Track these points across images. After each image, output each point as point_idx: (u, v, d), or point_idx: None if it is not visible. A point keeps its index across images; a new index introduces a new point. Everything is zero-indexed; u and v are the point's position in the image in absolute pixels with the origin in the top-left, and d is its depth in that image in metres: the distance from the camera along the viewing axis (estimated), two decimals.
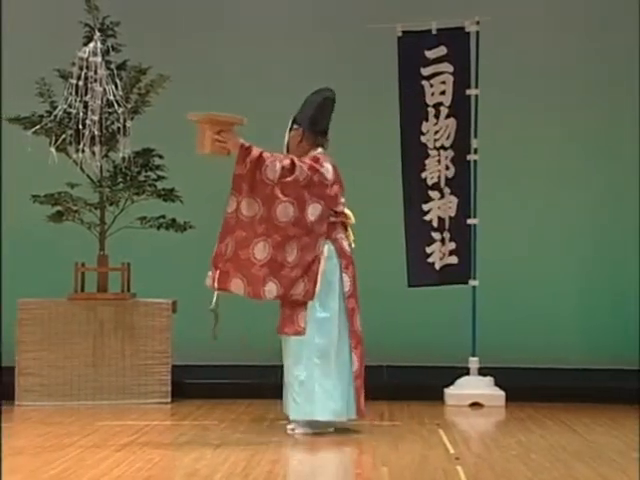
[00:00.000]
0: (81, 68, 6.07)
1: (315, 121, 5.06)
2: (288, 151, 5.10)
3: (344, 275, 4.96)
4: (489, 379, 6.26)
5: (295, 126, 5.08)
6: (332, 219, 5.00)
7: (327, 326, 4.90)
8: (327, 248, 4.96)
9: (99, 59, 6.09)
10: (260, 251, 4.83)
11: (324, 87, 5.15)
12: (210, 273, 4.91)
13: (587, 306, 6.92)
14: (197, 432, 4.98)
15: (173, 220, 6.37)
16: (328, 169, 4.98)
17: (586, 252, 6.98)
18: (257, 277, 4.83)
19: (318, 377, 4.86)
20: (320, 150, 5.07)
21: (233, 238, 4.87)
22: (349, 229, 5.11)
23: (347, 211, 5.10)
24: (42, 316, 6.16)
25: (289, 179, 4.84)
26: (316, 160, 4.98)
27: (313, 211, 4.89)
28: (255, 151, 4.86)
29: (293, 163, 4.88)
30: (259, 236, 4.83)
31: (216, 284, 4.88)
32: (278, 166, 4.85)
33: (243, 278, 4.86)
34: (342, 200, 5.05)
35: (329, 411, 4.87)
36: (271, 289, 4.85)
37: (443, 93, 6.33)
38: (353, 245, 5.13)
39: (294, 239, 4.86)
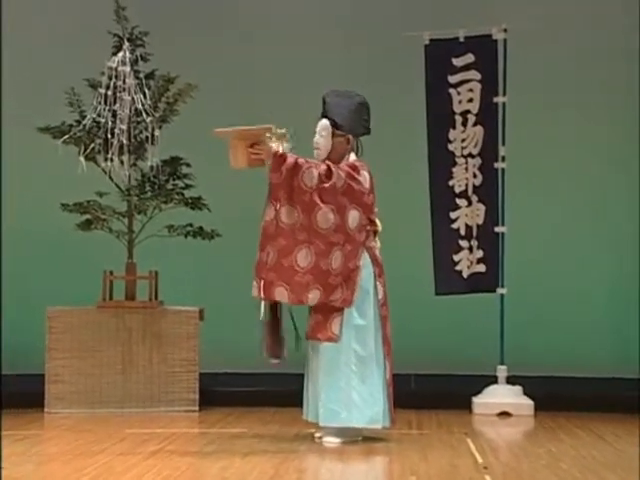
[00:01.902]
0: (110, 78, 6.12)
1: (359, 126, 5.05)
2: (319, 156, 5.06)
3: (378, 283, 4.98)
4: (517, 388, 6.22)
5: (340, 132, 5.03)
6: (367, 227, 5.01)
7: (364, 333, 4.91)
8: (362, 255, 4.97)
9: (128, 68, 6.13)
10: (303, 258, 4.83)
11: (345, 90, 5.14)
12: (255, 283, 4.89)
13: (617, 314, 6.86)
14: (225, 440, 4.99)
15: (200, 228, 6.40)
16: (366, 177, 4.98)
17: (615, 260, 6.93)
18: (301, 284, 4.83)
19: (356, 384, 4.86)
20: (354, 157, 5.06)
21: (274, 247, 4.86)
22: (377, 237, 5.12)
23: (377, 220, 5.11)
24: (71, 324, 6.20)
25: (327, 185, 4.83)
26: (354, 168, 4.97)
27: (353, 218, 4.90)
28: (290, 158, 4.85)
29: (330, 169, 4.87)
30: (301, 243, 4.83)
31: (262, 294, 4.87)
32: (315, 173, 4.84)
33: (287, 286, 4.84)
34: (375, 208, 5.07)
35: (366, 418, 4.87)
36: (315, 296, 4.85)
37: (470, 101, 6.31)
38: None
39: (337, 246, 4.86)
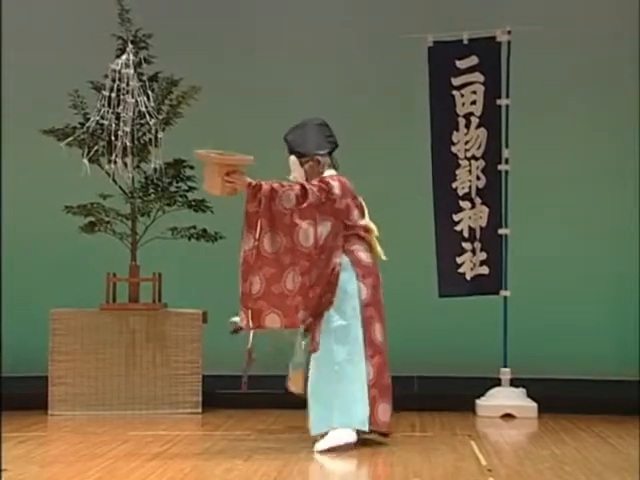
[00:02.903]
0: (114, 80, 6.13)
1: (322, 145, 5.11)
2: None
3: (361, 284, 4.97)
4: (521, 390, 6.22)
5: (307, 159, 5.10)
6: (344, 232, 4.99)
7: (344, 334, 4.91)
8: (342, 260, 4.96)
9: (131, 71, 6.14)
10: (291, 282, 4.86)
11: (300, 121, 5.17)
12: (242, 314, 4.88)
13: (620, 316, 6.85)
14: (228, 442, 4.99)
15: (204, 230, 6.40)
16: (335, 185, 5.01)
17: (619, 262, 6.92)
18: (291, 307, 4.86)
19: (337, 386, 4.85)
20: (329, 172, 5.09)
21: (261, 276, 4.87)
22: (374, 241, 5.09)
23: (365, 223, 5.07)
24: (75, 326, 6.21)
25: (305, 205, 4.90)
26: (322, 181, 5.02)
27: (325, 227, 4.93)
28: (265, 185, 4.90)
29: (304, 188, 4.93)
30: (288, 267, 4.87)
31: (250, 323, 4.88)
32: (292, 194, 4.90)
33: (278, 311, 4.87)
34: (355, 212, 5.04)
35: (349, 420, 4.85)
36: (303, 316, 4.89)
37: (474, 103, 6.31)
38: (383, 257, 5.11)
39: (316, 259, 4.89)
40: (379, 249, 5.10)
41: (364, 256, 5.03)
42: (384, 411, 4.94)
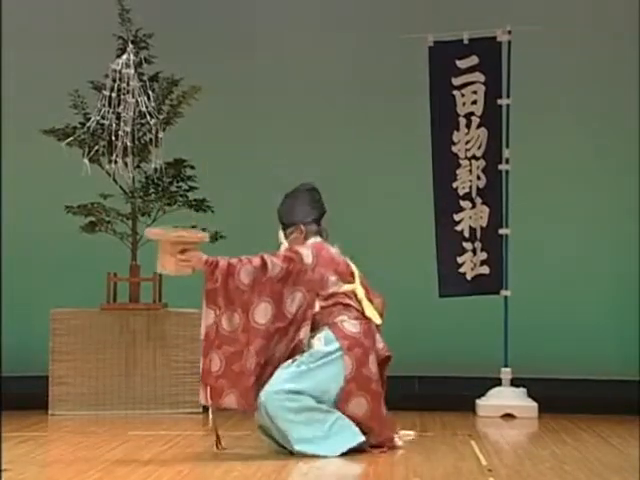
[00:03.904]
0: (114, 80, 6.12)
1: (308, 214, 4.94)
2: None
3: (346, 357, 4.69)
4: (522, 390, 6.21)
5: (292, 228, 4.93)
6: (323, 304, 4.76)
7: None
8: (324, 334, 4.72)
9: (132, 71, 6.13)
10: (247, 361, 4.67)
11: (294, 188, 5.02)
12: (201, 390, 4.73)
13: (621, 316, 6.85)
14: (228, 443, 4.98)
15: (204, 230, 6.39)
16: (306, 254, 4.77)
17: (620, 262, 6.92)
18: (248, 388, 4.66)
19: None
20: (315, 239, 4.90)
21: (220, 354, 4.68)
22: (364, 305, 4.81)
23: (349, 289, 4.80)
24: (75, 326, 6.21)
25: (264, 279, 4.70)
26: (291, 249, 4.83)
27: (291, 301, 4.72)
28: (222, 261, 4.71)
29: (264, 261, 4.72)
30: (245, 346, 4.67)
31: (209, 401, 4.70)
32: (250, 269, 4.70)
33: (235, 391, 4.67)
34: (332, 280, 4.78)
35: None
36: (258, 398, 4.66)
37: (474, 103, 6.31)
38: (378, 321, 4.82)
39: (277, 334, 4.70)
40: (371, 312, 4.82)
41: (350, 326, 4.75)
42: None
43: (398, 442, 4.89)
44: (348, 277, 4.89)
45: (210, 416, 4.80)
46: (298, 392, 4.65)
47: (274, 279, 4.72)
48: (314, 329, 4.77)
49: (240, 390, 4.68)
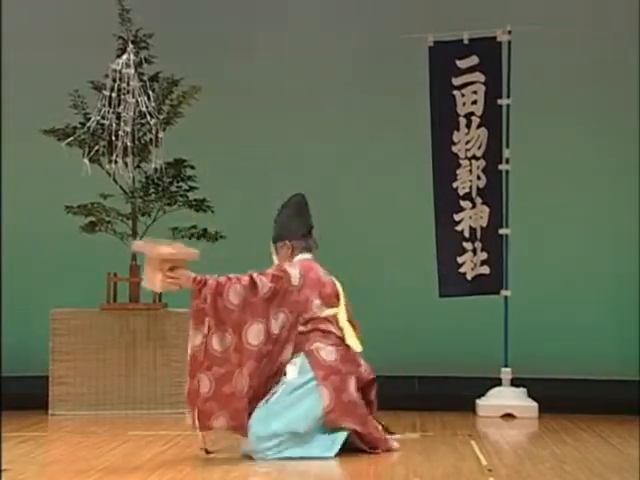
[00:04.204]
0: (114, 80, 6.13)
1: (296, 230, 4.88)
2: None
3: (322, 388, 4.61)
4: (522, 390, 6.21)
5: (280, 244, 4.87)
6: (302, 328, 4.69)
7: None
8: (300, 361, 4.66)
9: (132, 71, 6.14)
10: (241, 382, 4.60)
11: (286, 200, 4.97)
12: (188, 413, 4.68)
13: (621, 316, 6.86)
14: (228, 443, 4.98)
15: (205, 230, 6.40)
16: (294, 274, 4.70)
17: (620, 262, 6.92)
18: (240, 410, 4.58)
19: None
20: (300, 257, 4.84)
21: (210, 375, 4.59)
22: (345, 331, 4.71)
23: (330, 314, 4.72)
24: (75, 326, 6.21)
25: (254, 299, 4.64)
26: (280, 268, 4.75)
27: (275, 321, 4.65)
28: (211, 280, 4.63)
29: (253, 280, 4.66)
30: (237, 367, 4.58)
31: (197, 424, 4.61)
32: (239, 287, 4.63)
33: (226, 413, 4.60)
34: (315, 304, 4.71)
35: None
36: (251, 418, 4.62)
37: (474, 103, 6.31)
38: (358, 348, 4.71)
39: (266, 357, 4.65)
40: (351, 340, 4.71)
41: (326, 354, 4.66)
42: None
43: (394, 445, 4.85)
44: (333, 299, 4.80)
45: (200, 439, 4.69)
46: (272, 435, 4.58)
47: (263, 298, 4.64)
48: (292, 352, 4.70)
49: (230, 412, 4.60)
